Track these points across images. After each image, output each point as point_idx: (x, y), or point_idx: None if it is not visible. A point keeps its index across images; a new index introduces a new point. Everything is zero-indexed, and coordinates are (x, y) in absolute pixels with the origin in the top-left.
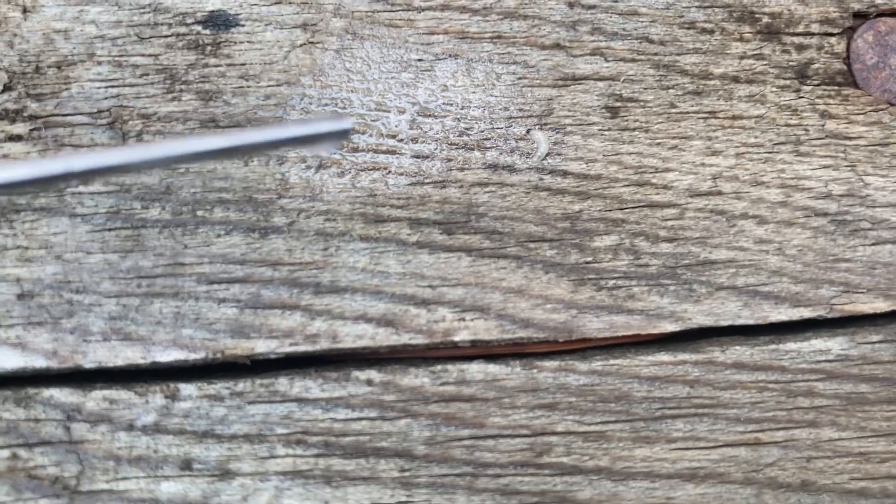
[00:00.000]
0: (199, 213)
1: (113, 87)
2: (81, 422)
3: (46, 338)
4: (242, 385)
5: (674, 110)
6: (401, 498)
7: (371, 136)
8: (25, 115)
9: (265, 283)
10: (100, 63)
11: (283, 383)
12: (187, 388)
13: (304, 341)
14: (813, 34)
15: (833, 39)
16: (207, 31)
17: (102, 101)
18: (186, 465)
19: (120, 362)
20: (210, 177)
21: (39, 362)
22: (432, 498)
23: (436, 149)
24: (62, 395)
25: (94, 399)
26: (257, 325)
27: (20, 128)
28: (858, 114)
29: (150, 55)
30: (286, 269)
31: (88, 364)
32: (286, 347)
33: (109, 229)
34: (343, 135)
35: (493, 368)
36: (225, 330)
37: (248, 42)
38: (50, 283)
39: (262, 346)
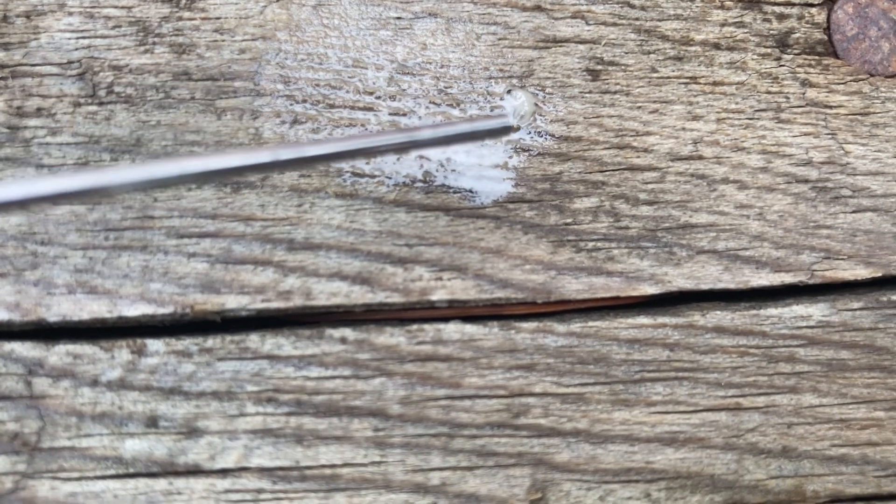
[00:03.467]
0: None
1: (84, 38)
2: (43, 377)
3: (9, 290)
4: (212, 341)
5: (655, 75)
6: (374, 458)
7: (348, 92)
8: None
9: (237, 238)
10: (70, 14)
11: (254, 340)
12: (155, 344)
13: (277, 298)
14: (794, 4)
15: (814, 10)
16: None
17: (73, 52)
18: (152, 422)
19: (85, 316)
20: (182, 129)
21: (1, 315)
22: (406, 458)
23: (414, 106)
24: (24, 348)
25: (58, 353)
26: (228, 280)
27: None
28: (839, 83)
29: (122, 7)
30: (259, 224)
31: (52, 317)
32: (258, 304)
33: None
34: (505, 131)
35: (471, 329)
36: (194, 285)
37: None
38: (14, 234)
39: (233, 302)
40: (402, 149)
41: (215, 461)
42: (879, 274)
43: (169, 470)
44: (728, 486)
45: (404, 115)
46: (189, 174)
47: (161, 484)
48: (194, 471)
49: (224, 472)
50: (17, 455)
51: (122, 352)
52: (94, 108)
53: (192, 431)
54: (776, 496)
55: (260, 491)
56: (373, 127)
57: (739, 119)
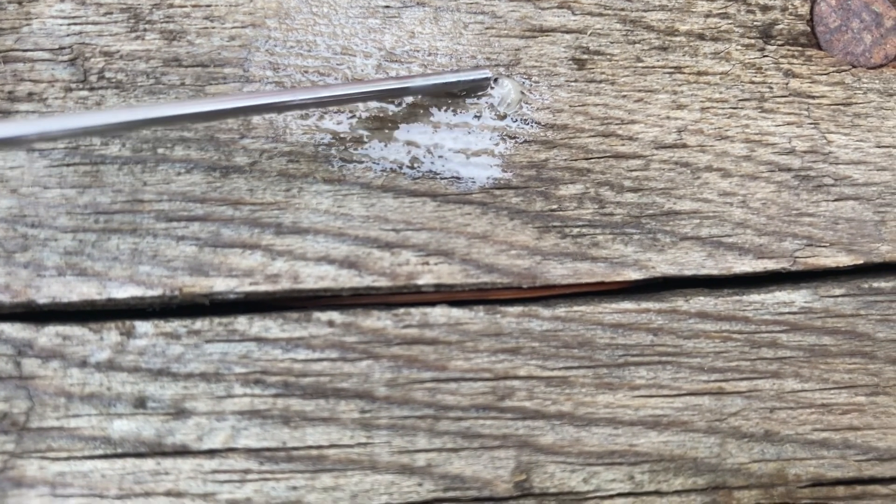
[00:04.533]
0: (160, 150)
1: (76, 24)
2: (33, 357)
3: None
4: (200, 323)
5: (640, 64)
6: (360, 439)
7: (337, 78)
8: None
9: (225, 221)
10: (62, 0)
11: (242, 322)
12: (143, 326)
13: (265, 281)
14: None
15: (797, 2)
16: None
17: (64, 38)
18: (140, 402)
19: (74, 298)
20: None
21: None
22: (392, 439)
23: None
24: (13, 329)
25: (47, 335)
26: (216, 263)
27: None
28: (821, 74)
29: None
30: (247, 208)
31: (42, 299)
32: (246, 287)
33: (68, 164)
34: (484, 83)
35: (457, 312)
36: (183, 267)
37: None
38: (4, 216)
39: (222, 285)
40: (392, 95)
41: (203, 442)
42: (861, 261)
43: (156, 450)
44: (711, 469)
45: (392, 101)
46: (175, 116)
47: (149, 464)
48: (182, 451)
49: (211, 453)
50: (5, 435)
51: (111, 333)
52: (84, 93)
53: (179, 412)
54: (758, 479)
55: (247, 471)
56: (361, 112)
57: (723, 108)
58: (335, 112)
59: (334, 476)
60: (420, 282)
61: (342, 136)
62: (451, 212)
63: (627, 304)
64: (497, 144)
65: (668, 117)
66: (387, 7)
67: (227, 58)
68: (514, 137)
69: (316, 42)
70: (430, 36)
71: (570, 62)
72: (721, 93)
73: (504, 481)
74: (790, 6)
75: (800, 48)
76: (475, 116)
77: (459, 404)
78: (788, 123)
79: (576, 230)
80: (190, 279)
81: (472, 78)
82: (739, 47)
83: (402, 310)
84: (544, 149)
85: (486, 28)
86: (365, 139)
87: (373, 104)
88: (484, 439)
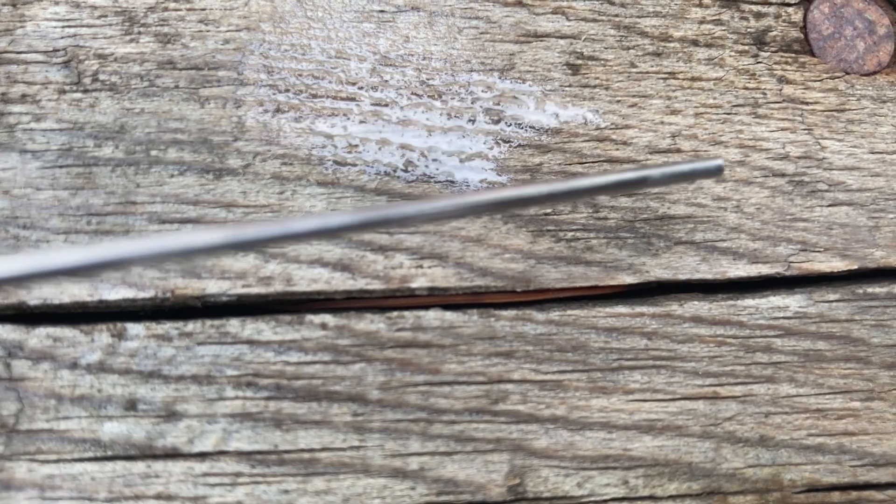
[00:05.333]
0: (153, 152)
1: (70, 26)
2: (23, 359)
3: None
4: (192, 326)
5: (634, 70)
6: (353, 442)
7: (331, 82)
8: None
9: (219, 224)
10: (57, 3)
11: (234, 325)
12: (135, 328)
13: (258, 283)
14: (771, 3)
15: (790, 9)
16: None
17: (59, 41)
18: (131, 405)
19: (66, 299)
20: (165, 117)
21: None
22: (385, 443)
23: (396, 97)
24: (3, 331)
25: (38, 336)
26: (209, 265)
27: None
28: (815, 80)
29: None
30: (240, 211)
31: (33, 300)
32: (238, 289)
33: (60, 166)
34: (716, 172)
35: (450, 316)
36: (175, 269)
37: None
38: None
39: (214, 287)
40: (623, 190)
41: (194, 445)
42: (855, 266)
43: (147, 453)
44: (706, 474)
45: (386, 105)
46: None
47: (139, 467)
48: (172, 454)
49: (202, 456)
50: None
51: (103, 335)
52: (78, 95)
53: (170, 415)
54: (753, 484)
55: (238, 475)
56: (355, 116)
57: (717, 114)
58: (329, 116)
59: (326, 479)
60: (414, 285)
61: (337, 139)
62: None
63: (621, 309)
64: (491, 148)
65: (662, 122)
66: (381, 12)
67: (222, 61)
68: (509, 141)
69: (310, 45)
70: (425, 40)
71: (565, 67)
72: (715, 98)
73: (497, 485)
74: (783, 13)
75: (793, 55)
76: (469, 120)
77: (453, 408)
78: (782, 129)
79: (570, 234)
80: (182, 281)
81: (704, 168)
82: (733, 53)
83: (395, 313)
84: (538, 153)
85: (481, 33)
86: (359, 143)
87: (367, 107)
88: (477, 443)
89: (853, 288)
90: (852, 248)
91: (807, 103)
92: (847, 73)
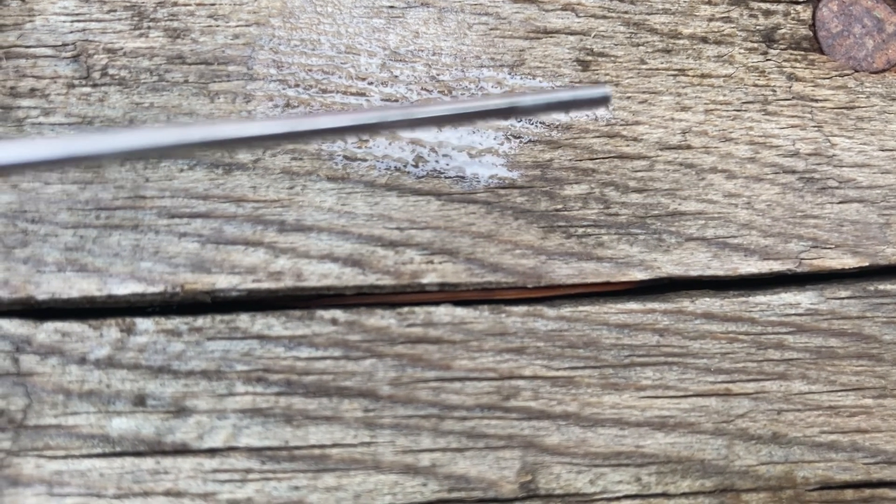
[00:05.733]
0: None
1: (79, 21)
2: (31, 354)
3: None
4: (202, 321)
5: (644, 66)
6: (364, 438)
7: (340, 77)
8: None
9: (228, 218)
10: None
11: (244, 320)
12: (144, 323)
13: (268, 278)
14: (780, 1)
15: (799, 7)
16: None
17: (68, 35)
18: (140, 400)
19: (74, 294)
20: (175, 112)
21: None
22: (396, 439)
23: (406, 92)
24: (12, 325)
25: (46, 331)
26: (219, 260)
27: None
28: (824, 78)
29: None
30: (250, 205)
31: (41, 295)
32: (248, 283)
33: None
34: (603, 101)
35: (461, 312)
36: (185, 264)
37: None
38: (4, 211)
39: (224, 282)
40: (496, 116)
41: (203, 440)
42: (866, 263)
43: (156, 449)
44: (718, 471)
45: (396, 100)
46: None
47: (148, 463)
48: (182, 450)
49: (212, 452)
50: (2, 432)
51: (111, 330)
52: (87, 89)
53: (180, 410)
54: (766, 482)
55: (248, 471)
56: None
57: (727, 110)
58: (339, 111)
59: (337, 476)
60: (424, 280)
61: None
62: (456, 211)
63: (633, 305)
64: (502, 144)
65: (672, 119)
66: (391, 7)
67: (231, 56)
68: (519, 137)
69: (320, 41)
70: (435, 36)
71: (575, 63)
72: (725, 95)
73: (509, 482)
74: (792, 11)
75: (802, 52)
76: None
77: (464, 404)
78: (792, 126)
79: (581, 230)
80: (192, 276)
81: (590, 97)
82: (742, 51)
83: (406, 309)
84: (549, 149)
85: (491, 29)
86: (369, 138)
87: (376, 101)
88: (489, 439)
89: (864, 285)
90: (863, 245)
91: (816, 101)
92: (856, 71)
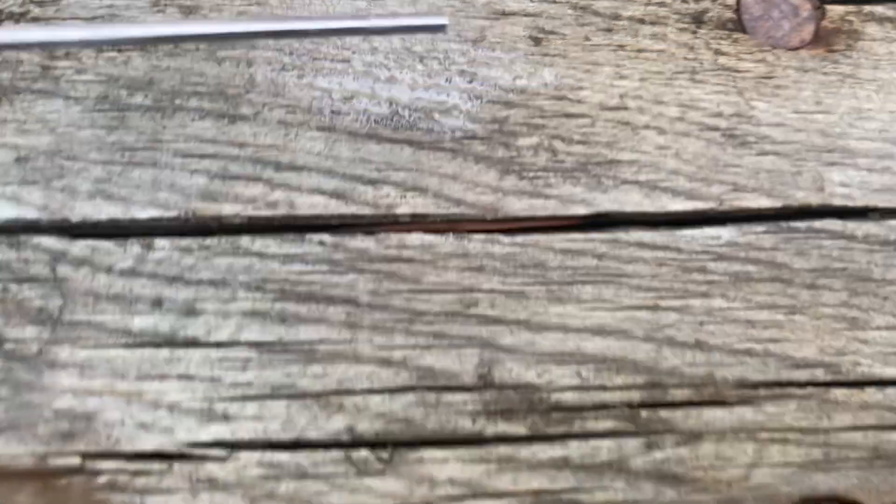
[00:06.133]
0: (177, 101)
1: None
2: (66, 264)
3: (39, 195)
4: (210, 241)
5: (588, 43)
6: (346, 336)
7: (328, 48)
8: (29, 17)
9: (232, 159)
10: None
11: (245, 241)
12: (161, 242)
13: (266, 207)
14: None
15: None
16: None
17: (97, 10)
18: (157, 302)
19: (103, 217)
20: (188, 73)
21: (31, 214)
22: (373, 338)
23: (384, 60)
24: (50, 241)
25: (79, 246)
26: (225, 192)
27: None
28: (747, 53)
29: None
30: (251, 149)
31: (75, 218)
32: (249, 211)
33: (98, 110)
34: (439, 28)
35: (430, 238)
36: (196, 194)
37: None
38: (44, 150)
39: (229, 210)
40: (346, 34)
41: (211, 335)
42: (780, 204)
43: (171, 341)
44: (648, 370)
45: (376, 66)
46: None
47: (164, 353)
48: (193, 343)
49: (218, 345)
50: (42, 325)
51: (134, 247)
52: (114, 53)
53: (191, 311)
54: (691, 380)
55: (248, 360)
56: (349, 75)
57: (660, 79)
58: (328, 74)
59: (323, 366)
60: (398, 212)
61: (333, 92)
62: (426, 156)
63: (576, 235)
64: (465, 103)
65: (611, 85)
66: None
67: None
68: (480, 98)
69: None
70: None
71: (528, 40)
72: (658, 66)
73: (469, 374)
74: None
75: (727, 32)
76: (446, 80)
77: (431, 311)
78: (717, 92)
79: (532, 174)
80: (202, 204)
81: (427, 24)
82: (675, 30)
83: (382, 234)
84: (505, 108)
85: (457, 11)
86: (353, 96)
87: (359, 67)
88: (452, 339)
89: (778, 222)
90: (777, 190)
91: (739, 71)
92: (775, 48)
